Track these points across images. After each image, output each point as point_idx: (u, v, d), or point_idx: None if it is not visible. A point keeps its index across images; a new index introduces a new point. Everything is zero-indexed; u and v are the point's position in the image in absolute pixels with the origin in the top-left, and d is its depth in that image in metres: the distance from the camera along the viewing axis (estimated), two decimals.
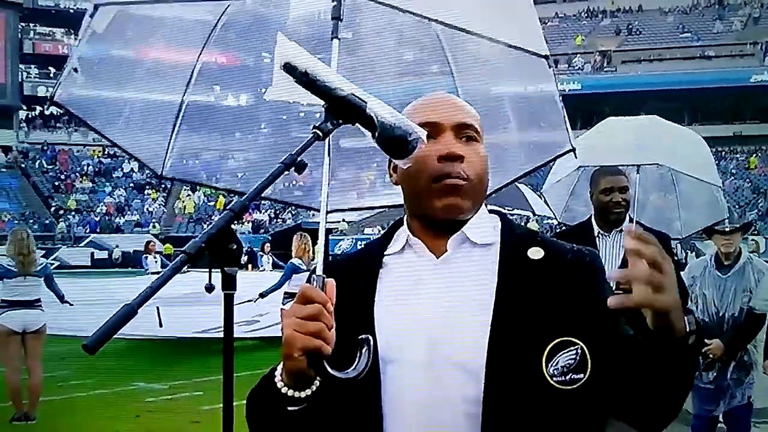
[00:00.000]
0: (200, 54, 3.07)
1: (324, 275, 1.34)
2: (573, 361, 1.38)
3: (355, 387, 1.32)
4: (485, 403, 1.36)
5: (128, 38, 3.01)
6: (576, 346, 1.39)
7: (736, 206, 35.26)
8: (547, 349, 1.38)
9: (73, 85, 2.90)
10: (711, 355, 5.00)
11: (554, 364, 1.38)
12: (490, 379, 1.36)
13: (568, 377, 1.38)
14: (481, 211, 1.54)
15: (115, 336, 1.11)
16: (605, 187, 4.08)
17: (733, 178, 41.77)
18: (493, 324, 1.39)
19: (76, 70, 2.81)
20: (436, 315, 1.41)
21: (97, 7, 2.69)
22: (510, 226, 1.55)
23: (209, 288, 1.34)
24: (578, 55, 50.35)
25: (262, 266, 21.02)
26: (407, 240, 1.52)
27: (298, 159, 1.32)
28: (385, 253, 1.54)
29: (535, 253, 1.48)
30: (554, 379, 1.37)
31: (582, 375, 1.38)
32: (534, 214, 13.53)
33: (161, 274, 1.19)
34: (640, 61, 49.11)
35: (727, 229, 5.08)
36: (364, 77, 2.97)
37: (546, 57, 2.69)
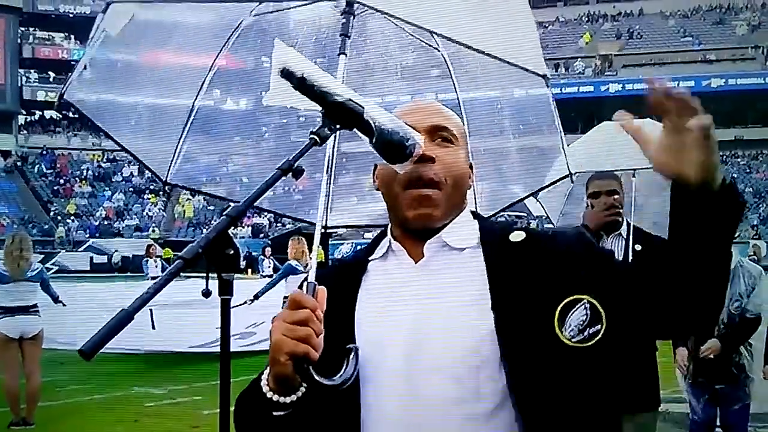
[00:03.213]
0: (215, 59, 3.06)
1: (315, 282, 1.34)
2: (585, 316, 1.37)
3: (335, 393, 1.32)
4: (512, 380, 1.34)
5: (142, 43, 3.01)
6: (582, 301, 1.38)
7: None
8: (556, 315, 1.37)
9: (84, 85, 2.89)
10: (709, 356, 4.99)
11: (568, 327, 1.37)
12: (512, 363, 1.35)
13: (586, 333, 1.37)
14: (462, 214, 1.53)
15: (110, 350, 1.10)
16: (593, 191, 4.13)
17: (733, 181, 41.66)
18: (495, 312, 1.37)
19: (85, 67, 2.81)
20: (414, 320, 1.41)
21: (109, 4, 2.69)
22: (489, 224, 1.55)
23: (206, 293, 1.34)
24: (579, 59, 50.35)
25: (262, 271, 20.98)
26: (389, 245, 1.52)
27: (296, 164, 1.32)
28: (369, 258, 1.54)
29: (516, 236, 1.48)
30: (573, 340, 1.37)
31: (599, 326, 1.37)
32: (532, 216, 13.51)
33: (158, 279, 1.19)
34: (641, 65, 49.09)
35: None
36: (365, 81, 2.98)
37: (544, 77, 2.70)
